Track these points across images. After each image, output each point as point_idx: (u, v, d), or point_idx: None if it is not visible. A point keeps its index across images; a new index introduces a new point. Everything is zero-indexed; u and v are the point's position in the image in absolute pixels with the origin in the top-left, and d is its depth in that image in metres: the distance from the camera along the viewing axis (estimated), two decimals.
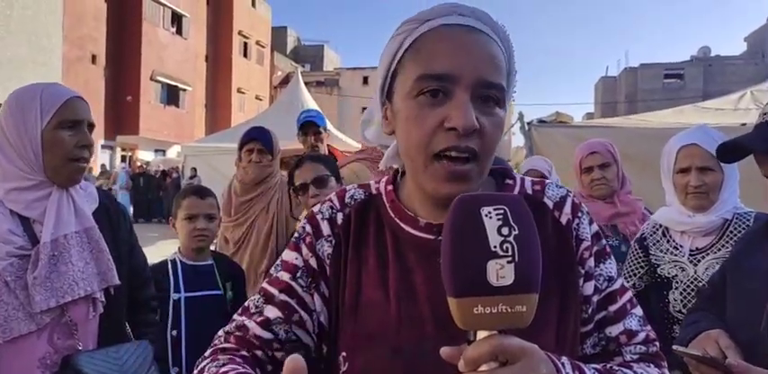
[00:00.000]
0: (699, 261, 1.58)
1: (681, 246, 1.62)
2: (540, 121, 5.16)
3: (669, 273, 1.63)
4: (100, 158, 17.39)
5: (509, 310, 0.49)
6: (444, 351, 0.52)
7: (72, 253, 1.23)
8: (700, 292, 1.51)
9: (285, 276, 0.73)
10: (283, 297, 0.72)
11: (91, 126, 1.31)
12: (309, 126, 2.78)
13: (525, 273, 0.49)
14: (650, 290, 1.71)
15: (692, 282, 1.58)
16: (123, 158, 19.63)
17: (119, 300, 1.35)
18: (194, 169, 11.09)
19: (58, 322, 1.21)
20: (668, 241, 1.66)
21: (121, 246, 1.38)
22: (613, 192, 2.11)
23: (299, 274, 0.73)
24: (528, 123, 5.03)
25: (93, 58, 18.14)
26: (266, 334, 0.71)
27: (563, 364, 0.57)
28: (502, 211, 0.51)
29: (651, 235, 1.71)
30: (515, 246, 0.49)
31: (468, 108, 0.62)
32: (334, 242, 0.73)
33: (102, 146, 18.53)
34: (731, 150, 1.06)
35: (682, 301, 1.59)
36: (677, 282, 1.60)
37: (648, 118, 5.58)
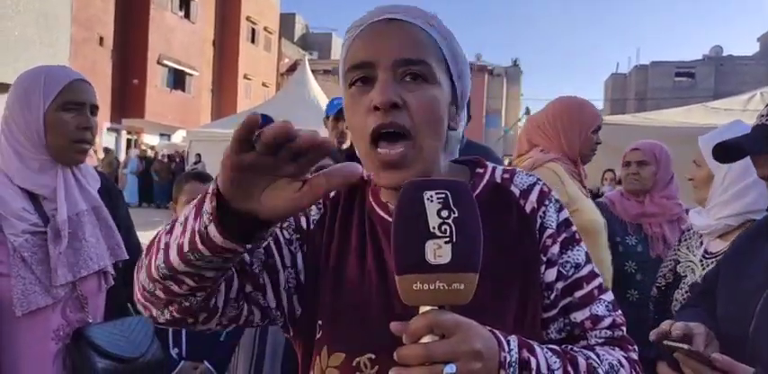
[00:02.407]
0: (708, 265, 1.57)
1: (701, 246, 1.63)
2: None
3: (683, 273, 1.64)
4: (105, 141, 17.43)
5: (446, 287, 0.52)
6: (394, 325, 0.56)
7: (85, 231, 1.29)
8: (693, 287, 1.51)
9: None
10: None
11: (94, 108, 1.33)
12: (343, 112, 2.76)
13: (463, 253, 0.53)
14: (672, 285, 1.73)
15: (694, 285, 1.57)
16: (129, 142, 19.65)
17: (122, 276, 1.41)
18: (198, 155, 11.11)
19: (70, 296, 1.27)
20: (696, 239, 1.68)
21: (121, 225, 1.43)
22: (645, 191, 2.18)
23: (285, 225, 0.76)
24: None
25: (101, 40, 18.06)
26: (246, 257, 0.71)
27: (508, 341, 0.59)
28: (443, 195, 0.54)
29: (687, 231, 1.74)
30: (453, 228, 0.53)
31: (386, 86, 0.66)
32: (321, 210, 0.78)
33: (108, 129, 18.55)
34: (727, 151, 1.05)
35: (681, 303, 1.59)
36: (684, 283, 1.61)
37: (656, 116, 5.55)
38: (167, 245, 0.60)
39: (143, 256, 0.66)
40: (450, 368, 0.52)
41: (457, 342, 0.53)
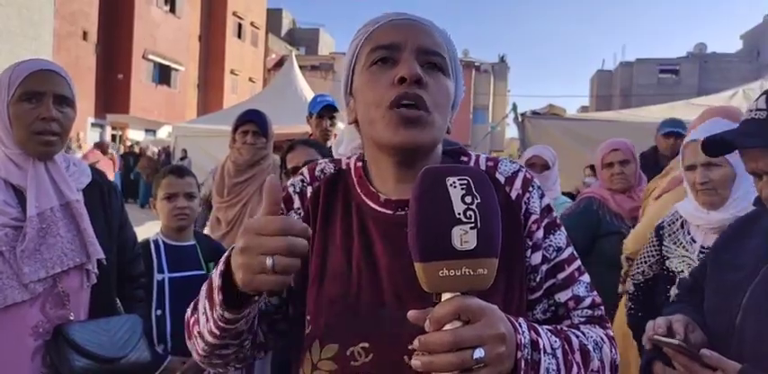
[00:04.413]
0: None
1: (694, 242, 1.58)
2: (534, 113, 5.19)
3: (676, 268, 1.60)
4: (90, 137, 17.15)
5: (471, 273, 0.52)
6: (411, 314, 0.56)
7: (60, 226, 1.25)
8: (681, 283, 1.51)
9: None
10: None
11: (60, 98, 1.27)
12: (327, 110, 2.74)
13: (486, 238, 0.53)
14: (658, 280, 1.68)
15: None
16: (114, 137, 19.36)
17: (109, 274, 1.38)
18: (184, 150, 10.98)
19: (50, 292, 1.24)
20: (684, 234, 1.62)
21: (113, 222, 1.40)
22: (631, 187, 2.37)
23: None
24: (521, 114, 5.05)
25: (85, 35, 17.68)
26: None
27: (519, 324, 0.61)
28: (465, 181, 0.54)
29: (669, 226, 1.67)
30: (478, 214, 0.53)
31: (413, 62, 0.71)
32: (302, 214, 0.79)
33: (93, 125, 18.25)
34: (717, 145, 1.06)
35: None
36: (681, 278, 1.56)
37: (640, 112, 5.61)
38: (200, 333, 0.73)
39: (187, 339, 0.79)
40: (479, 352, 0.52)
41: (483, 327, 0.53)
